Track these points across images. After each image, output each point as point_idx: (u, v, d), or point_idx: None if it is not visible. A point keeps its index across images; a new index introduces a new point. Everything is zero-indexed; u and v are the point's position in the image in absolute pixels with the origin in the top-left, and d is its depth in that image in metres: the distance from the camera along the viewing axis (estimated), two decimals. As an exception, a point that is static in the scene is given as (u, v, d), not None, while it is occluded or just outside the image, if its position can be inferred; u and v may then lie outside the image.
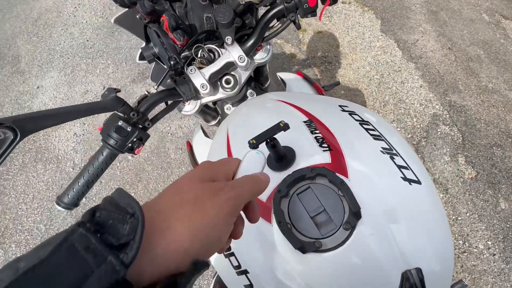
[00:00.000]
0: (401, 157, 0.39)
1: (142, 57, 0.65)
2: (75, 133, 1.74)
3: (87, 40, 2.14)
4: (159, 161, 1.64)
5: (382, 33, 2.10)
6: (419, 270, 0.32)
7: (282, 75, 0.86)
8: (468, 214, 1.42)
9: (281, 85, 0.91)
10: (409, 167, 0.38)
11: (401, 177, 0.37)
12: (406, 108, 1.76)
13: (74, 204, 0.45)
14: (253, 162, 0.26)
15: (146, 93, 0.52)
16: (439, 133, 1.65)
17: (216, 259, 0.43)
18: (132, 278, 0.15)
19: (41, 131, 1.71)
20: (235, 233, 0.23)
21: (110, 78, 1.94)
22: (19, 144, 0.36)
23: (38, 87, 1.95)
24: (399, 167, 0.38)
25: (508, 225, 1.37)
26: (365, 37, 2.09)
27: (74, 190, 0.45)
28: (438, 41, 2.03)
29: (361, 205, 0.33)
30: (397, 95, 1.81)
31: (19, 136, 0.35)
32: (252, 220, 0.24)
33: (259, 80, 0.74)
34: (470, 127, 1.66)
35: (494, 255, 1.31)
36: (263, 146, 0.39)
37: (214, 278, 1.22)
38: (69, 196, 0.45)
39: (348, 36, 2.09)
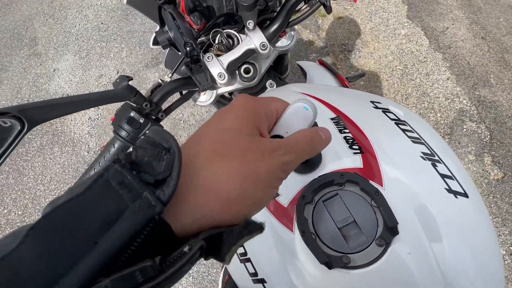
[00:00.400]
0: (444, 164, 0.34)
1: (156, 42, 0.61)
2: (90, 117, 1.76)
3: (102, 23, 2.11)
4: (171, 148, 1.63)
5: (408, 20, 1.95)
6: (463, 296, 0.28)
7: (302, 63, 0.80)
8: (491, 217, 1.34)
9: (300, 75, 0.86)
10: (454, 176, 0.33)
11: (445, 189, 0.32)
12: (430, 102, 1.65)
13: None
14: (299, 117, 0.22)
15: (160, 81, 0.48)
16: (464, 130, 1.55)
17: (231, 263, 0.40)
18: (171, 221, 0.14)
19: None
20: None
21: (124, 62, 1.92)
22: (36, 126, 0.34)
23: (54, 70, 1.97)
24: (443, 176, 0.33)
25: (534, 231, 1.29)
26: (389, 24, 1.95)
27: (85, 183, 0.43)
28: (471, 29, 1.87)
29: (398, 219, 0.29)
30: (421, 87, 1.69)
31: (26, 127, 0.32)
32: None
33: (278, 70, 0.69)
34: (500, 125, 1.54)
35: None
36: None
37: (223, 269, 1.23)
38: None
39: (371, 23, 1.96)
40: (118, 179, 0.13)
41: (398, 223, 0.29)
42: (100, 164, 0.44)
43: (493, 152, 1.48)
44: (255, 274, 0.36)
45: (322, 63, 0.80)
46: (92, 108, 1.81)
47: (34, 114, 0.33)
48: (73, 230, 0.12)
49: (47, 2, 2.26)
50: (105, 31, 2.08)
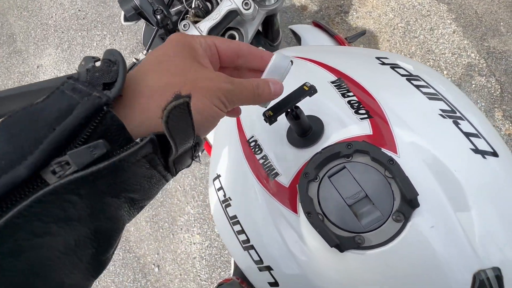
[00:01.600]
0: (468, 121, 0.29)
1: (127, 18, 0.54)
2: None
3: (79, 10, 1.98)
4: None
5: (408, -30, 1.78)
6: (496, 270, 0.24)
7: (295, 27, 0.73)
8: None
9: (294, 43, 0.78)
10: (480, 134, 0.28)
11: (471, 149, 0.27)
12: (436, 59, 1.55)
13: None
14: (277, 67, 0.24)
15: (134, 60, 0.43)
16: (473, 86, 1.47)
17: (234, 251, 0.37)
18: (125, 122, 0.15)
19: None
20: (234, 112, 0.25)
21: (108, 50, 1.82)
22: None
23: (38, 67, 1.88)
24: (467, 134, 0.28)
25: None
26: (388, -23, 1.78)
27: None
28: (478, -27, 1.70)
29: (417, 189, 0.25)
30: (425, 44, 1.58)
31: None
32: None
33: (268, 36, 0.62)
34: (511, 76, 1.45)
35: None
36: (283, 118, 0.30)
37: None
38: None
39: (368, -22, 1.79)
40: (70, 88, 0.15)
41: (418, 194, 0.25)
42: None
43: (504, 106, 1.40)
44: (260, 261, 0.33)
45: (317, 25, 0.72)
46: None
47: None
48: (34, 123, 0.14)
49: (18, -7, 2.11)
50: (83, 18, 1.95)
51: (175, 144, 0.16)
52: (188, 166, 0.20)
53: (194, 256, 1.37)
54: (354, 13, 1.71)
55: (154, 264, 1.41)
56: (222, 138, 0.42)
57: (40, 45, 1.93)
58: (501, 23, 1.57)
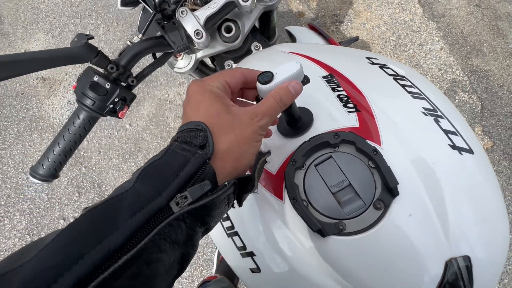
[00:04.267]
0: (447, 119, 0.31)
1: (124, 3, 0.54)
2: (69, 101, 1.65)
3: (73, -3, 1.93)
4: (158, 130, 1.57)
5: (402, -13, 1.86)
6: (467, 258, 0.26)
7: (291, 28, 0.74)
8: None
9: (288, 41, 0.79)
10: (458, 132, 0.30)
11: (449, 145, 0.29)
12: (423, 73, 1.62)
13: (52, 175, 0.39)
14: (288, 71, 0.26)
15: (128, 43, 0.42)
16: (457, 101, 1.54)
17: (217, 238, 0.37)
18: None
19: (33, 98, 1.60)
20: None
21: (102, 40, 1.78)
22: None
23: (25, 51, 1.81)
24: (446, 132, 0.30)
25: (520, 197, 1.33)
26: (382, -8, 1.86)
27: (50, 160, 0.38)
28: (465, -4, 1.80)
29: (398, 179, 0.26)
30: (414, 58, 1.65)
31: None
32: None
33: (264, 33, 0.63)
34: (491, 95, 1.53)
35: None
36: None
37: (218, 250, 1.22)
38: (44, 167, 0.38)
39: (363, -9, 1.86)
40: (180, 148, 0.22)
41: (398, 183, 0.26)
42: (65, 138, 0.38)
43: (483, 122, 1.48)
44: (243, 247, 0.33)
45: (312, 27, 0.73)
46: (71, 91, 1.70)
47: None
48: (163, 172, 0.20)
49: (10, -26, 2.04)
50: (77, 6, 1.90)
51: (257, 182, 0.25)
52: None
53: (176, 253, 1.35)
54: (349, 23, 1.77)
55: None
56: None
57: (29, 29, 1.87)
58: (484, 44, 1.66)
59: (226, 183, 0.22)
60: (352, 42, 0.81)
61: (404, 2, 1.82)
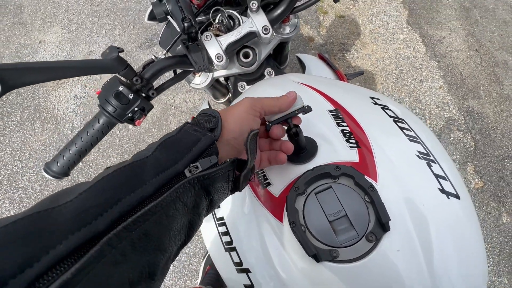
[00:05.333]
0: (439, 165, 0.34)
1: (152, 17, 0.57)
2: (76, 95, 1.68)
3: (95, -3, 2.01)
4: (160, 134, 1.59)
5: (407, 25, 1.97)
6: (447, 297, 0.28)
7: (301, 56, 0.79)
8: (468, 223, 1.40)
9: (298, 68, 0.84)
10: (448, 177, 0.33)
11: (438, 189, 0.32)
12: (422, 108, 1.68)
13: (64, 173, 0.41)
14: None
15: (153, 57, 0.46)
16: (451, 138, 1.59)
17: (214, 251, 0.39)
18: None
19: (41, 88, 1.63)
20: (276, 159, 0.33)
21: (116, 40, 1.84)
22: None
23: (40, 42, 1.86)
24: (437, 176, 0.33)
25: (506, 239, 1.35)
26: (389, 27, 1.96)
27: (65, 158, 0.40)
28: (466, 41, 1.91)
29: (390, 215, 0.28)
30: (414, 93, 1.72)
31: (0, 90, 0.29)
32: (287, 150, 0.33)
33: (277, 59, 0.67)
34: (485, 136, 1.60)
35: (487, 267, 1.30)
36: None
37: (205, 259, 1.21)
38: (58, 164, 0.40)
39: (371, 25, 1.96)
40: (192, 129, 0.26)
41: (390, 219, 0.28)
42: (83, 139, 0.41)
43: (476, 162, 1.53)
44: (239, 263, 0.35)
45: (322, 57, 0.78)
46: (79, 85, 1.73)
47: (10, 77, 0.30)
48: (178, 146, 0.24)
49: (36, -32, 2.12)
50: (97, 5, 1.97)
51: (251, 156, 0.28)
52: (244, 187, 0.30)
53: (161, 260, 1.33)
54: (355, 53, 1.85)
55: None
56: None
57: (47, 21, 1.92)
58: (481, 88, 1.75)
59: (227, 160, 0.27)
60: (357, 75, 0.85)
61: (408, 39, 1.92)
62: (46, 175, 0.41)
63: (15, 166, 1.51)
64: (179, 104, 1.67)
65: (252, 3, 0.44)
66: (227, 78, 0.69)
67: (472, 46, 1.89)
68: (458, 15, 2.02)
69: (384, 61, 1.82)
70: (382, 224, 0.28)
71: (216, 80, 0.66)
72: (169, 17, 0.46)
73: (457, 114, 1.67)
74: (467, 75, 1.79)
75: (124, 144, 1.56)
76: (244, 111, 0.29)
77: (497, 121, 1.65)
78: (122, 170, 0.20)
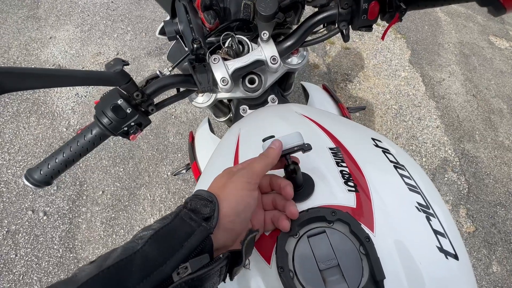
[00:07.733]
0: (438, 219, 0.33)
1: (162, 32, 0.58)
2: (77, 93, 1.67)
3: (112, 1, 2.06)
4: (156, 141, 1.57)
5: (409, 64, 2.04)
6: None
7: (306, 85, 0.80)
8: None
9: (300, 94, 0.85)
10: (447, 234, 0.32)
11: (437, 247, 0.30)
12: (418, 145, 1.70)
13: (46, 182, 0.39)
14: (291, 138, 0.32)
15: (158, 73, 0.45)
16: (445, 179, 1.60)
17: None
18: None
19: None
20: (279, 224, 0.31)
21: (126, 45, 1.86)
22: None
23: (50, 38, 1.87)
24: (436, 232, 0.31)
25: (496, 290, 1.32)
26: (392, 64, 2.03)
27: (49, 167, 0.38)
28: (464, 85, 1.97)
29: (385, 271, 0.27)
30: (411, 130, 1.75)
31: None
32: (287, 196, 0.31)
33: (281, 86, 0.67)
34: (478, 180, 1.60)
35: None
36: (280, 172, 0.32)
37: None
38: (41, 172, 0.38)
39: (375, 59, 2.03)
40: (188, 217, 0.25)
41: (385, 278, 0.26)
42: (71, 149, 0.39)
43: (468, 205, 1.52)
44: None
45: (326, 88, 0.79)
46: (82, 84, 1.72)
47: (6, 80, 0.29)
48: (171, 239, 0.23)
49: (59, -32, 2.19)
50: (113, 10, 2.02)
51: (245, 258, 0.27)
52: (236, 274, 0.29)
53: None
54: (358, 84, 1.89)
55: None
56: (217, 169, 0.43)
57: (61, 19, 1.95)
58: (477, 132, 1.78)
59: (220, 255, 0.25)
60: (359, 110, 0.86)
61: (410, 77, 1.98)
62: (26, 183, 0.38)
63: (1, 158, 1.46)
64: (180, 114, 1.67)
65: (264, 33, 0.44)
66: (230, 99, 0.68)
67: (469, 91, 1.96)
68: (458, 60, 2.10)
69: (384, 95, 1.86)
70: (376, 282, 0.27)
71: (218, 100, 0.66)
72: (178, 36, 0.46)
73: (453, 155, 1.69)
74: (464, 118, 1.83)
75: (118, 148, 1.53)
76: (240, 189, 0.28)
77: (490, 166, 1.67)
78: (104, 274, 0.19)
